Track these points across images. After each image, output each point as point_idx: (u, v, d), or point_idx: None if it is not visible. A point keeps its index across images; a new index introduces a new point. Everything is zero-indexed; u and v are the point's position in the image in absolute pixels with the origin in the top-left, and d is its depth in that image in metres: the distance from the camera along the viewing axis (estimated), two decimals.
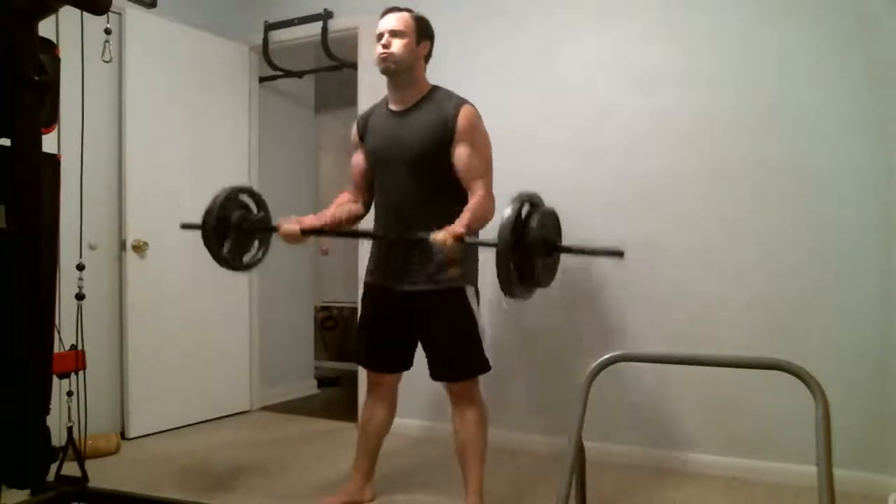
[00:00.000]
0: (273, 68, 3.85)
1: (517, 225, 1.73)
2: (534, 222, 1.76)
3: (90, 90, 2.31)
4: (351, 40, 3.56)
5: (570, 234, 2.97)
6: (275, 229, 2.17)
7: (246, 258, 2.24)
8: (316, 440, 3.29)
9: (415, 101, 2.19)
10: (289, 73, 3.94)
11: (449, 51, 3.29)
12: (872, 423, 2.43)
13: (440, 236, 1.85)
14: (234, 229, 2.15)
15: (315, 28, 3.60)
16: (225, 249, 2.13)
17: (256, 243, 2.26)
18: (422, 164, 2.14)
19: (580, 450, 1.55)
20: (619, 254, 1.77)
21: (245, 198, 2.23)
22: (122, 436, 3.18)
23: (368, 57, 3.43)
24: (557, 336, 3.00)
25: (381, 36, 2.16)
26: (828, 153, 2.55)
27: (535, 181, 3.02)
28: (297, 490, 2.52)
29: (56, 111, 2.10)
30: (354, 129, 2.36)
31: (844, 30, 2.52)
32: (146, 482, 2.54)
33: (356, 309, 2.96)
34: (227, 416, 3.69)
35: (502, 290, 1.77)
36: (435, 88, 2.23)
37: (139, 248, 3.25)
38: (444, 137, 2.12)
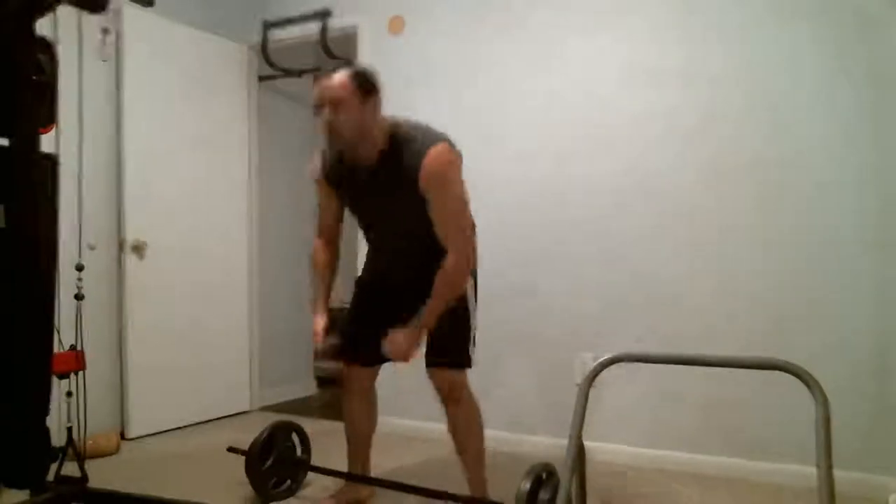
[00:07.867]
0: (272, 67, 3.84)
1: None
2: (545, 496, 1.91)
3: (89, 89, 2.31)
4: (350, 39, 3.56)
5: (571, 232, 3.00)
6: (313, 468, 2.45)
7: (278, 488, 2.42)
8: (315, 440, 3.26)
9: (377, 159, 1.96)
10: (288, 73, 3.93)
11: (449, 51, 3.30)
12: (872, 424, 2.43)
13: (397, 343, 1.99)
14: (274, 455, 2.40)
15: (314, 27, 3.60)
16: (263, 466, 2.35)
17: (288, 481, 2.45)
18: (411, 234, 2.04)
19: (580, 450, 1.54)
20: None
21: (294, 436, 2.51)
22: (122, 436, 3.18)
23: (368, 56, 3.43)
24: (557, 336, 3.00)
25: (319, 108, 1.88)
26: (827, 153, 2.54)
27: (536, 179, 3.07)
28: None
29: (54, 111, 2.08)
30: (316, 166, 2.13)
31: (845, 30, 2.52)
32: (146, 482, 2.54)
33: None
34: (226, 416, 3.69)
35: None
36: (394, 137, 1.94)
37: (139, 248, 3.25)
38: (419, 198, 1.92)
